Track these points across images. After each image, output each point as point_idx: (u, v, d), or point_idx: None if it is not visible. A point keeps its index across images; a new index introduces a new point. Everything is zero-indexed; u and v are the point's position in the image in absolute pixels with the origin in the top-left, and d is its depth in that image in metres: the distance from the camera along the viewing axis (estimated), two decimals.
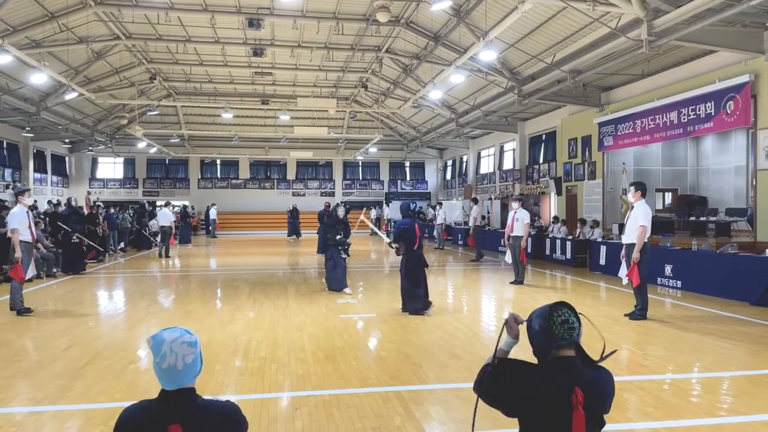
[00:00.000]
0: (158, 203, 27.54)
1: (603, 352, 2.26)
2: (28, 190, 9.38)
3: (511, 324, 2.28)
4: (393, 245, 8.90)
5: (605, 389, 2.15)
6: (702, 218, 15.12)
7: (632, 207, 8.45)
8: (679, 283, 11.03)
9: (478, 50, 13.91)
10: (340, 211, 10.93)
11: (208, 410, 1.98)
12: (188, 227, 25.17)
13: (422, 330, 7.49)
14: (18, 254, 8.33)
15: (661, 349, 6.45)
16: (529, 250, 13.02)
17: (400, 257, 8.81)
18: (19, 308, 8.46)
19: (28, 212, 8.82)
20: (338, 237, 10.70)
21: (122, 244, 20.41)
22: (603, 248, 13.90)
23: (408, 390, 5.00)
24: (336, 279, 10.69)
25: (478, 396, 2.23)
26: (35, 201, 20.28)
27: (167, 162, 34.31)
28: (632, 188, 8.47)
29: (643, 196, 8.33)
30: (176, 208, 31.00)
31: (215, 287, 11.74)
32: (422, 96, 20.66)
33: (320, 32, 17.66)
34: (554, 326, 2.09)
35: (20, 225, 8.49)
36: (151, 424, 1.93)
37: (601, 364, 2.20)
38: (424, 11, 15.81)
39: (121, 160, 33.73)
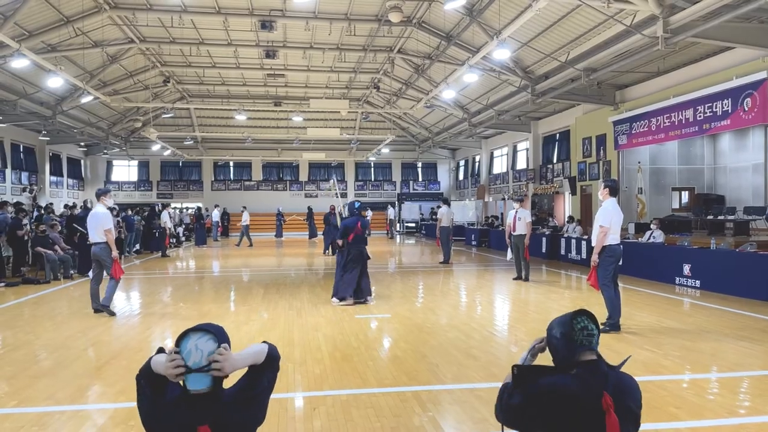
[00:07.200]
0: (173, 205, 27.77)
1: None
2: (110, 191, 9.28)
3: (534, 345, 2.33)
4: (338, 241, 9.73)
5: (632, 390, 2.12)
6: (720, 217, 14.92)
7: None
8: (698, 282, 10.89)
9: (491, 49, 13.87)
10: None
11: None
12: (202, 229, 25.30)
13: (438, 330, 7.46)
14: (115, 253, 8.49)
15: (680, 349, 6.37)
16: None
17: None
18: (105, 306, 8.53)
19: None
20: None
21: (137, 246, 20.62)
22: None
23: (425, 390, 4.98)
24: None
25: (502, 423, 2.20)
26: (51, 204, 20.50)
27: (181, 164, 34.60)
28: (601, 185, 7.64)
29: (612, 195, 7.42)
30: (190, 210, 31.43)
31: (229, 288, 11.79)
32: (434, 96, 20.63)
33: (332, 33, 17.70)
34: (574, 332, 2.11)
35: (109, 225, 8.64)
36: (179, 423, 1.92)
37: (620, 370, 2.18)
38: (437, 11, 15.79)
39: (135, 162, 34.04)
